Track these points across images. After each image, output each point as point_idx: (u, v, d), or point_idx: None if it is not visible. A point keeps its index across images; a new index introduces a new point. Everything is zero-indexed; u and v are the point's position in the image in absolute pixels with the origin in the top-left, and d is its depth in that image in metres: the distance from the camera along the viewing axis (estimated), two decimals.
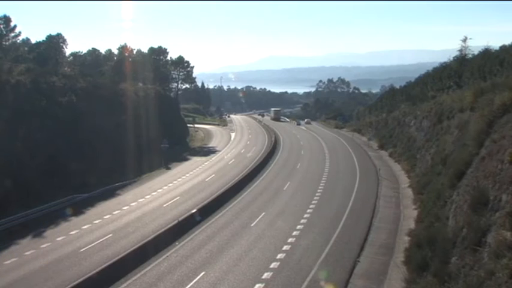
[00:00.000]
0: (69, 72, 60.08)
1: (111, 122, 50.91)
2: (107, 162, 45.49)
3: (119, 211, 33.69)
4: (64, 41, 76.24)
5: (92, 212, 33.65)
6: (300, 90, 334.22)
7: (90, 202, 36.09)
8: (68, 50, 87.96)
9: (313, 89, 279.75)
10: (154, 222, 30.67)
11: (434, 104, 45.09)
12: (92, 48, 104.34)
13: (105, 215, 32.53)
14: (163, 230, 27.51)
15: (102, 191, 39.30)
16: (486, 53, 48.98)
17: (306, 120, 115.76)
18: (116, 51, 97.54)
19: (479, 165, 17.97)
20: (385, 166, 49.87)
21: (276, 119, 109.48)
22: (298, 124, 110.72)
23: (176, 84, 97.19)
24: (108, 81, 62.81)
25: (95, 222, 30.96)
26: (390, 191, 38.42)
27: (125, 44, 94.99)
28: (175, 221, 29.05)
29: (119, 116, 54.12)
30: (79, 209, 34.02)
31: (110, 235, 28.06)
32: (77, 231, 29.02)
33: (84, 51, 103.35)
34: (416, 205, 31.29)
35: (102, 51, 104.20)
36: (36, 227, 29.77)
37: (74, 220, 31.55)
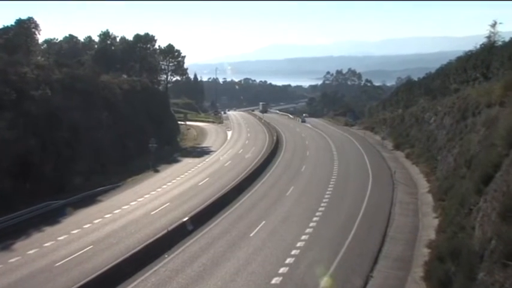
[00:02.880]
0: (43, 62, 59.89)
1: (91, 118, 50.82)
2: (87, 165, 45.40)
3: (100, 219, 33.59)
4: (36, 26, 75.72)
5: (69, 221, 33.52)
6: (305, 83, 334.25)
7: (68, 210, 35.92)
8: (41, 37, 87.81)
9: (319, 82, 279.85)
10: (140, 232, 30.60)
11: (457, 99, 45.07)
12: (69, 34, 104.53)
13: (84, 224, 32.42)
14: (150, 240, 27.43)
15: (81, 196, 39.18)
16: None
17: (304, 115, 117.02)
18: (96, 39, 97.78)
19: (509, 167, 17.91)
20: (401, 169, 49.88)
21: (264, 111, 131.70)
22: (303, 121, 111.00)
23: (165, 76, 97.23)
24: (88, 72, 62.64)
25: (73, 232, 30.84)
26: (407, 197, 38.39)
27: (107, 30, 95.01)
28: (165, 231, 28.98)
29: (101, 112, 54.06)
30: (55, 217, 33.89)
31: (90, 247, 27.96)
32: (52, 242, 28.90)
33: (60, 38, 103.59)
34: (437, 213, 31.26)
35: (81, 38, 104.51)
36: (3, 238, 29.51)
37: (49, 230, 31.41)
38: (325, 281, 22.31)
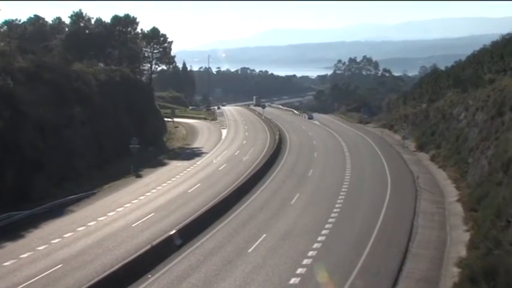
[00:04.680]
0: (3, 48, 59.74)
1: (62, 115, 50.72)
2: (57, 169, 45.28)
3: (72, 233, 33.46)
4: None
5: (34, 235, 33.37)
6: (312, 73, 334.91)
7: (33, 222, 35.74)
8: (0, 17, 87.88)
9: (329, 72, 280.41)
10: (119, 247, 30.53)
11: (492, 91, 45.08)
12: (34, 15, 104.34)
13: (53, 239, 32.28)
14: (131, 258, 27.35)
15: (49, 206, 39.01)
16: None
17: (308, 114, 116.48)
18: (67, 20, 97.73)
19: None
20: (425, 173, 49.89)
21: (257, 105, 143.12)
22: (310, 118, 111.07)
23: (149, 65, 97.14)
24: (58, 60, 62.63)
25: (39, 248, 30.71)
26: (432, 207, 38.38)
27: (80, 10, 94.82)
28: (148, 246, 28.91)
29: (73, 107, 53.96)
30: (17, 231, 33.69)
31: (60, 266, 27.84)
32: (14, 261, 28.76)
33: (24, 19, 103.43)
34: (468, 225, 31.25)
35: (49, 19, 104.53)
36: None
37: (10, 246, 31.23)
38: None
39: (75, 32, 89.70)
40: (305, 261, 27.34)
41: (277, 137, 73.99)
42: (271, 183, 47.17)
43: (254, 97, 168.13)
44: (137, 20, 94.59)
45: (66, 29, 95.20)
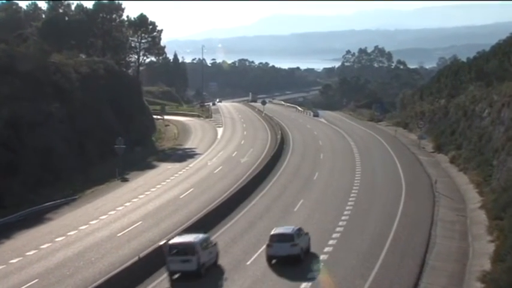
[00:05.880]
0: None
1: (38, 111, 50.74)
2: (33, 172, 45.26)
3: (49, 244, 33.45)
4: None
5: (7, 247, 33.39)
6: (318, 65, 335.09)
7: (6, 231, 35.77)
8: None
9: (337, 64, 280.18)
10: (103, 259, 30.52)
11: None
12: (7, 0, 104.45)
13: (28, 251, 32.24)
14: (116, 271, 27.24)
15: (24, 214, 39.14)
16: None
17: (313, 111, 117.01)
18: (44, 6, 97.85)
19: None
20: (444, 177, 49.79)
21: (253, 100, 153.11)
22: (316, 115, 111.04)
23: (137, 57, 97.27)
24: (34, 50, 62.54)
25: (12, 261, 30.68)
26: (452, 214, 38.32)
27: None
28: (135, 258, 28.83)
29: (51, 103, 53.94)
30: None
31: (35, 281, 27.77)
32: None
33: None
34: (493, 235, 31.17)
35: (23, 5, 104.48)
36: None
37: None
38: None
39: (53, 19, 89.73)
40: (310, 275, 27.26)
41: (278, 136, 73.79)
42: (273, 188, 47.08)
43: (250, 93, 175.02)
44: (122, 6, 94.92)
45: (43, 16, 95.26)
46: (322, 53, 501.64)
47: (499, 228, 30.85)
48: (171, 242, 27.92)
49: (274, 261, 28.24)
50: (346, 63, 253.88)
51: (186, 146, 72.82)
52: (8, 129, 45.24)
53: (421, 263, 29.04)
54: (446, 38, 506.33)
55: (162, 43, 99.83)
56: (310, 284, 26.27)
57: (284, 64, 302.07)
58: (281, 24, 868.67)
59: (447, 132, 63.96)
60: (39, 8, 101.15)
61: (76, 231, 36.06)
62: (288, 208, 40.29)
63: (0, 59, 52.37)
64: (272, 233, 28.91)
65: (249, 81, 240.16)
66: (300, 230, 29.45)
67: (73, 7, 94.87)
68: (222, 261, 29.61)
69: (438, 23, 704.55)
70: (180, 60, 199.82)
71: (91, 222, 37.88)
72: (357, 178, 49.80)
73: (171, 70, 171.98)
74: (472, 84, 68.55)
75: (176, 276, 27.24)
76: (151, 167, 58.98)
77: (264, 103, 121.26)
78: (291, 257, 27.93)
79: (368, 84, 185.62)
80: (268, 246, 28.25)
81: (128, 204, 42.90)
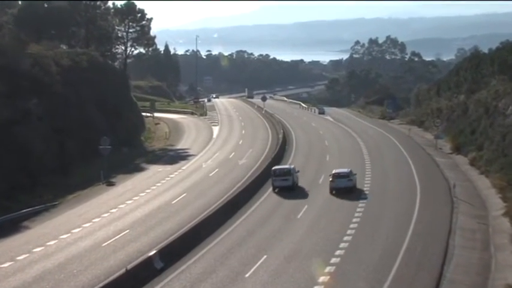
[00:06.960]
0: None
1: (13, 109, 50.68)
2: (8, 175, 45.19)
3: (27, 255, 33.37)
4: None
5: None
6: (324, 57, 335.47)
7: None
8: None
9: (344, 56, 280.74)
10: (86, 272, 30.43)
11: None
12: None
13: (2, 263, 32.20)
14: (101, 284, 27.18)
15: None
16: None
17: (318, 108, 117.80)
18: None
19: None
20: (463, 180, 49.84)
21: (249, 97, 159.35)
22: (321, 112, 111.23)
23: (124, 48, 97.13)
24: (9, 40, 62.45)
25: None
26: (473, 222, 38.31)
27: None
28: (122, 270, 28.80)
29: (28, 100, 53.87)
30: None
31: None
32: None
33: None
34: None
35: None
36: None
37: None
38: None
39: (31, 5, 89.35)
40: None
41: (280, 136, 73.87)
42: (274, 193, 47.12)
43: (246, 89, 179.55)
44: None
45: (20, 2, 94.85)
46: (329, 44, 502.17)
47: None
48: (274, 168, 49.29)
49: (334, 192, 44.59)
50: (354, 55, 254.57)
51: (179, 147, 72.96)
52: None
53: (438, 276, 28.98)
54: (466, 27, 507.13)
55: (152, 33, 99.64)
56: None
57: (286, 56, 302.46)
58: (283, 13, 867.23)
59: (467, 131, 63.95)
60: None
61: (56, 240, 36.00)
62: (290, 215, 40.35)
63: None
64: (333, 172, 46.10)
65: (248, 75, 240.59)
66: (352, 171, 46.45)
67: None
68: (218, 274, 29.57)
69: (456, 10, 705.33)
70: (172, 52, 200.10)
71: (73, 231, 37.85)
72: (366, 181, 49.74)
73: (162, 63, 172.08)
74: (494, 78, 68.63)
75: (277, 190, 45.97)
76: (140, 169, 59.07)
77: (264, 99, 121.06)
78: (347, 188, 44.45)
79: (379, 79, 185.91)
80: (331, 181, 45.06)
81: (114, 210, 42.89)
